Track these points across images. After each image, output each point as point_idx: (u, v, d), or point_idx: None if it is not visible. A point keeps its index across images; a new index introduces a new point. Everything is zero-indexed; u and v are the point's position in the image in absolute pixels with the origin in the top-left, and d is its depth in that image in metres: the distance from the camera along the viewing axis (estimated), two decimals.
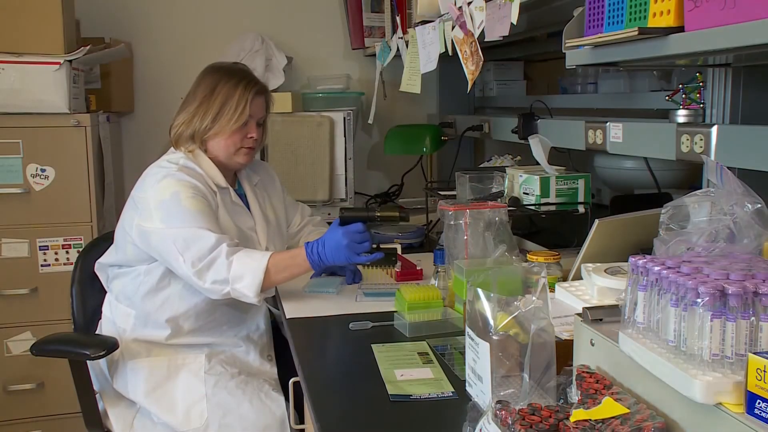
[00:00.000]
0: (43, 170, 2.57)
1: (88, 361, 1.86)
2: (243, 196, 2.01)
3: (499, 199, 1.98)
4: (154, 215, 1.77)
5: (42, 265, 2.60)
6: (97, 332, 2.00)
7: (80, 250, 2.42)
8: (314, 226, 2.24)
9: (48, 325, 2.55)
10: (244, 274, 1.71)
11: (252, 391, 1.84)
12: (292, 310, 1.78)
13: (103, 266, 1.98)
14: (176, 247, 1.73)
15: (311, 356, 1.50)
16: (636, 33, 1.12)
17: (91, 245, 2.17)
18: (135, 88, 3.16)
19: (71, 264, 2.47)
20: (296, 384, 1.53)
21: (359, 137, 3.28)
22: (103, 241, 2.06)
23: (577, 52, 1.39)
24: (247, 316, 1.97)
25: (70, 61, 2.53)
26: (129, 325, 1.90)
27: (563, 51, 1.43)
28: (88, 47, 2.58)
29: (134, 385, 1.86)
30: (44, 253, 2.60)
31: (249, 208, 2.00)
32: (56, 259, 2.61)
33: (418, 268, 2.02)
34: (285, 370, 1.94)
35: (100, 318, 2.01)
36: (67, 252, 2.61)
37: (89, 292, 2.05)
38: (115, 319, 1.94)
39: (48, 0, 2.49)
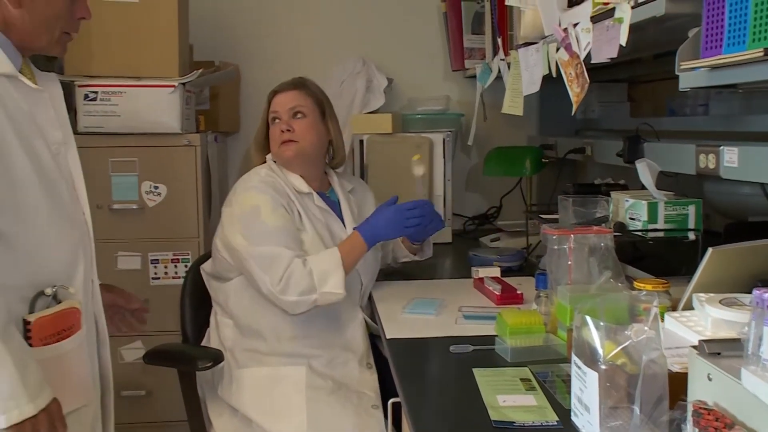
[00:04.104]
0: (156, 187, 2.70)
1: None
2: (336, 203, 2.11)
3: (603, 224, 1.93)
4: (236, 230, 1.91)
5: (152, 278, 2.72)
6: (204, 342, 2.09)
7: (188, 264, 2.52)
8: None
9: (157, 336, 2.65)
10: (327, 275, 1.82)
11: (352, 408, 1.87)
12: (392, 330, 1.79)
13: (206, 275, 2.07)
14: (258, 266, 1.84)
15: (411, 377, 1.50)
16: (762, 54, 1.07)
17: (200, 260, 2.26)
18: (240, 109, 3.28)
19: (179, 278, 2.58)
20: (395, 404, 1.54)
21: (458, 158, 3.27)
22: (210, 257, 2.14)
23: (692, 74, 1.35)
24: (345, 325, 2.01)
25: (184, 83, 2.65)
26: (232, 334, 1.97)
27: (677, 73, 1.39)
28: (200, 70, 2.70)
29: (238, 394, 1.92)
30: (155, 267, 2.72)
31: (341, 213, 2.08)
32: (165, 273, 2.73)
33: (518, 292, 1.99)
34: (382, 388, 1.95)
35: (207, 329, 2.09)
36: (175, 266, 2.72)
37: (198, 305, 2.13)
38: (219, 329, 2.02)
39: (166, 27, 2.62)
